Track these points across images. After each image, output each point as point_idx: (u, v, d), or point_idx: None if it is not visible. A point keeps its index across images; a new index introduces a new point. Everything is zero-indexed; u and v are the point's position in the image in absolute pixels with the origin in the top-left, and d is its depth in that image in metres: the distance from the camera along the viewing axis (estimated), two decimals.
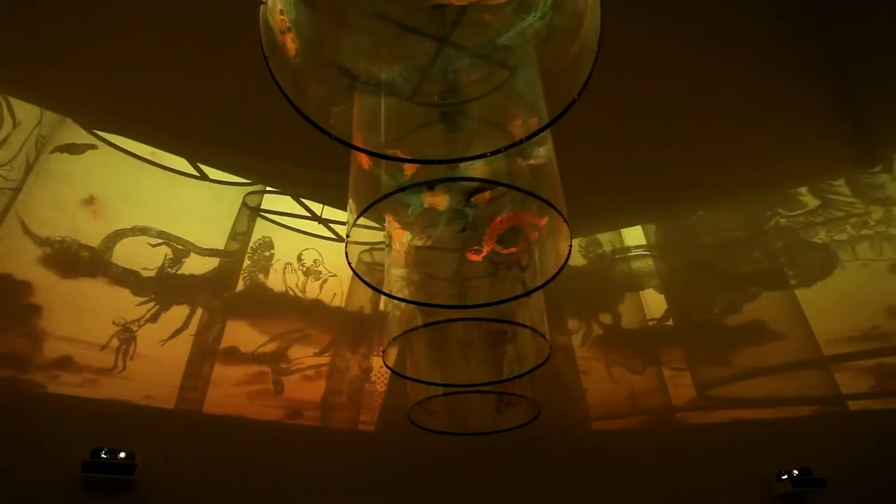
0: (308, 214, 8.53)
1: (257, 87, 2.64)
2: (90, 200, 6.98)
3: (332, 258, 8.62)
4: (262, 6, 2.09)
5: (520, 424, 4.48)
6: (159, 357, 7.22)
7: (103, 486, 6.19)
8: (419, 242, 3.28)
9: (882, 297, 7.43)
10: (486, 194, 2.99)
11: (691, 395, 8.34)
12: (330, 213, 8.54)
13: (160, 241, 7.41)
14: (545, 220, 3.00)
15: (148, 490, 6.41)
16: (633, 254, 9.02)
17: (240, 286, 8.10)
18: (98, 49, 5.14)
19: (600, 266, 9.00)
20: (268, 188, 8.15)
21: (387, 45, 2.54)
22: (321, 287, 8.56)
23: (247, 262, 8.16)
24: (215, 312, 7.80)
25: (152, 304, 7.31)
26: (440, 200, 2.94)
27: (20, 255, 6.52)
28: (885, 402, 7.34)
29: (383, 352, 3.97)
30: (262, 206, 8.27)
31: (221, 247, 7.91)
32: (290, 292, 8.37)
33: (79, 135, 6.89)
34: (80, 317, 6.80)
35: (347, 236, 2.86)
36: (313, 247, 8.62)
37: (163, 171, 7.40)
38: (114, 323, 6.99)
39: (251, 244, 8.20)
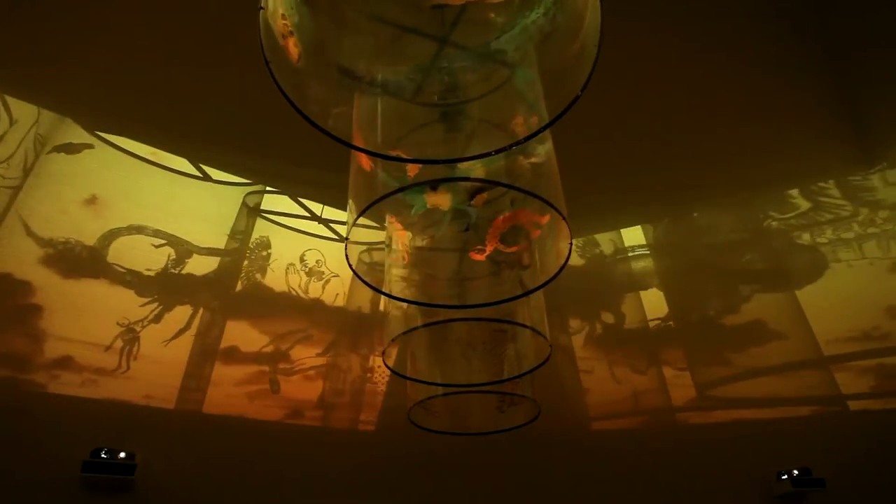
0: (307, 214, 8.54)
1: (257, 87, 2.64)
2: (92, 200, 6.98)
3: (335, 258, 8.62)
4: (261, 11, 2.08)
5: (520, 424, 4.47)
6: (160, 357, 7.22)
7: (103, 486, 6.19)
8: (421, 243, 3.28)
9: (882, 297, 7.43)
10: (484, 195, 2.99)
11: (691, 395, 8.34)
12: (330, 213, 8.54)
13: (163, 241, 7.41)
14: (547, 217, 3.00)
15: (148, 490, 6.41)
16: (633, 254, 9.02)
17: (239, 286, 8.10)
18: (98, 49, 5.14)
19: (598, 266, 9.00)
20: (268, 188, 8.16)
21: (389, 46, 2.54)
22: (323, 287, 8.57)
23: (245, 262, 8.16)
24: (216, 312, 7.80)
25: (156, 304, 7.31)
26: (443, 200, 2.94)
27: (20, 254, 6.52)
28: (885, 402, 7.34)
29: (383, 352, 3.97)
30: (262, 207, 8.27)
31: (222, 246, 7.91)
32: (293, 293, 8.38)
33: (79, 134, 6.89)
34: (81, 317, 6.80)
35: (347, 236, 2.86)
36: (316, 247, 8.62)
37: (164, 170, 7.40)
38: (118, 324, 7.00)
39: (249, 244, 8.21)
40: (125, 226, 7.17)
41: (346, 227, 3.29)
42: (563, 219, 2.70)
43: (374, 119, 2.49)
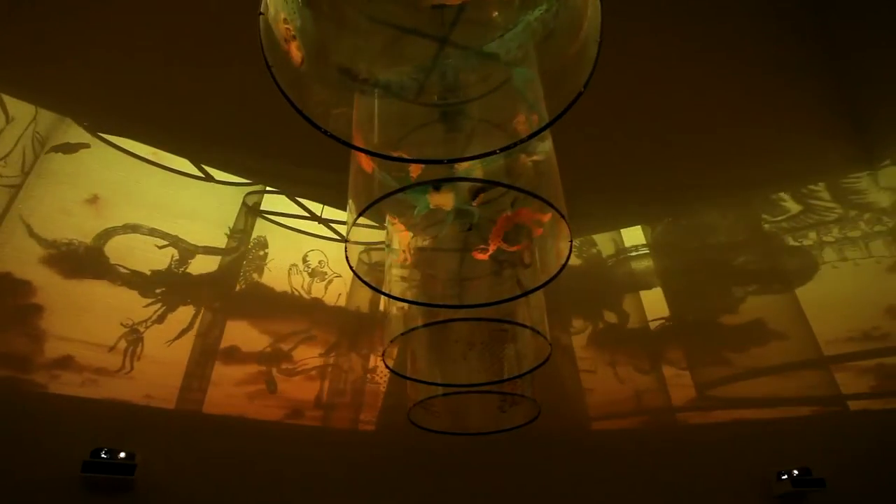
0: (307, 214, 8.54)
1: (257, 87, 2.64)
2: (93, 200, 6.98)
3: (338, 259, 8.62)
4: (261, 17, 2.07)
5: (520, 424, 4.47)
6: (161, 357, 7.22)
7: (103, 486, 6.19)
8: (422, 243, 3.28)
9: (882, 297, 7.43)
10: (481, 195, 2.99)
11: (691, 395, 8.33)
12: (330, 213, 8.55)
13: (165, 242, 7.41)
14: (548, 216, 3.00)
15: (148, 490, 6.41)
16: (633, 254, 9.02)
17: (239, 286, 8.10)
18: (98, 49, 5.15)
19: (596, 266, 9.00)
20: (268, 188, 8.16)
21: (391, 47, 2.54)
22: (326, 288, 8.57)
23: (244, 262, 8.16)
24: (217, 312, 7.81)
25: (159, 305, 7.31)
26: (446, 200, 2.94)
27: (21, 254, 6.52)
28: (885, 402, 7.34)
29: (383, 352, 3.97)
30: (263, 207, 8.27)
31: (222, 246, 7.91)
32: (295, 293, 8.38)
33: (79, 134, 6.89)
34: (82, 317, 6.79)
35: (347, 236, 2.87)
36: (318, 248, 8.63)
37: (165, 170, 7.40)
38: (121, 324, 6.99)
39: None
40: (121, 224, 7.17)
41: (346, 227, 3.29)
42: (563, 218, 2.70)
43: (374, 119, 2.49)
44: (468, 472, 7.48)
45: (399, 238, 3.26)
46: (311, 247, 8.60)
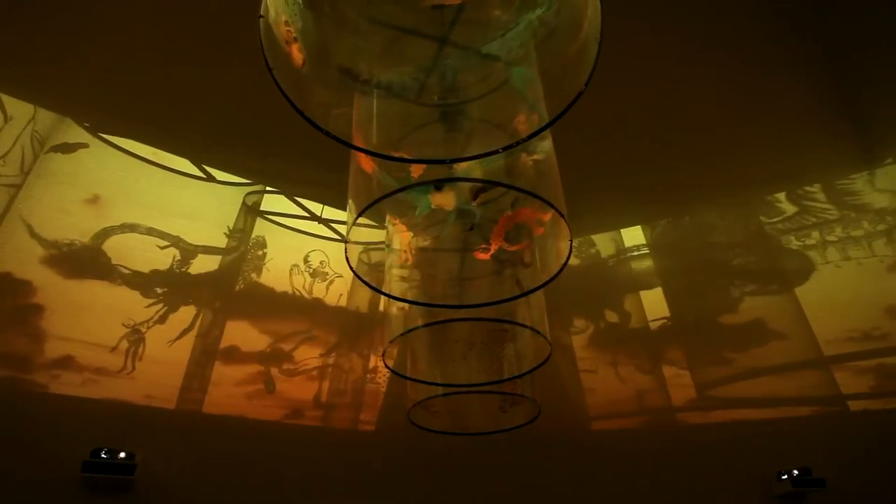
0: (307, 214, 8.54)
1: (257, 87, 2.64)
2: (94, 200, 6.98)
3: (339, 259, 8.62)
4: (261, 20, 2.07)
5: (520, 424, 4.48)
6: (161, 357, 7.22)
7: (103, 486, 6.19)
8: (423, 243, 3.28)
9: (882, 297, 7.42)
10: (481, 195, 2.99)
11: (691, 395, 8.33)
12: (331, 213, 8.55)
13: (166, 243, 7.41)
14: (549, 215, 3.00)
15: (148, 490, 6.41)
16: (633, 254, 9.02)
17: (239, 286, 8.10)
18: (98, 49, 5.15)
19: (596, 266, 9.00)
20: (268, 188, 8.16)
21: (393, 48, 2.54)
22: (327, 288, 8.57)
23: (243, 263, 8.17)
24: (217, 312, 7.81)
25: (161, 305, 7.31)
26: (448, 200, 2.94)
27: (21, 254, 6.52)
28: (885, 402, 7.34)
29: (384, 352, 3.97)
30: (263, 207, 8.27)
31: (223, 246, 7.92)
32: (296, 293, 8.38)
33: (79, 134, 6.89)
34: (83, 317, 6.79)
35: (347, 236, 2.87)
36: (320, 248, 8.63)
37: (165, 170, 7.40)
38: (123, 325, 6.99)
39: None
40: (119, 224, 7.16)
41: (345, 227, 3.29)
42: (563, 218, 2.70)
43: (377, 120, 2.49)
44: (468, 472, 7.48)
45: (400, 238, 3.26)
46: (311, 247, 8.60)
